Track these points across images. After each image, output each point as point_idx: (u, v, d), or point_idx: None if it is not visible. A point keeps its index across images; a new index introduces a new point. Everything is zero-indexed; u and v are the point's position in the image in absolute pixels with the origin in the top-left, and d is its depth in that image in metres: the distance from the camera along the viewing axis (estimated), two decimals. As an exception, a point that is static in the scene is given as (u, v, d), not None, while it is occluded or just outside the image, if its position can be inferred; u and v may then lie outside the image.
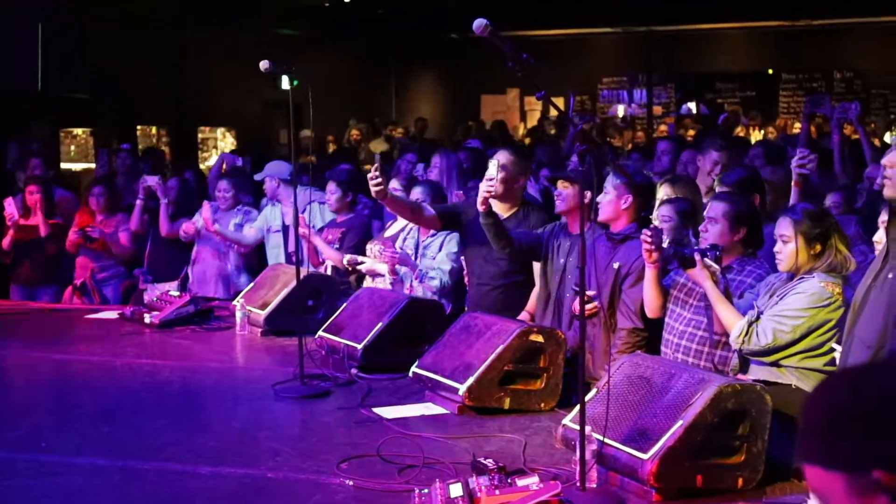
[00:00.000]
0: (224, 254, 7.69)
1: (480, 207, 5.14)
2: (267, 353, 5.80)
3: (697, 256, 4.27)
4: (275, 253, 7.47)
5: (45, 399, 5.06)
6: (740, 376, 4.11)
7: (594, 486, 3.39)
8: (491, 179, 5.15)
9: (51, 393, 5.19)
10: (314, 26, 16.36)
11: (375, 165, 5.43)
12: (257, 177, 7.66)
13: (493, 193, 5.18)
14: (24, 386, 5.56)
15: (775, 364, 4.11)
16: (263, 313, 6.12)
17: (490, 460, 3.45)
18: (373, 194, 5.47)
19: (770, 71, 18.75)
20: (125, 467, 3.83)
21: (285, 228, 7.40)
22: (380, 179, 5.32)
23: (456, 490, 3.23)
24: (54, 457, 3.94)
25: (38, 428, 4.39)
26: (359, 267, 6.34)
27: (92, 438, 4.20)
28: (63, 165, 13.00)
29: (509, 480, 3.29)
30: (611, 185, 4.99)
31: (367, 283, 6.34)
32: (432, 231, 6.12)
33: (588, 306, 4.71)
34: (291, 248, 7.01)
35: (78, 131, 13.88)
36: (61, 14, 11.92)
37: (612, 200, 4.99)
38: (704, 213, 4.70)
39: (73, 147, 13.88)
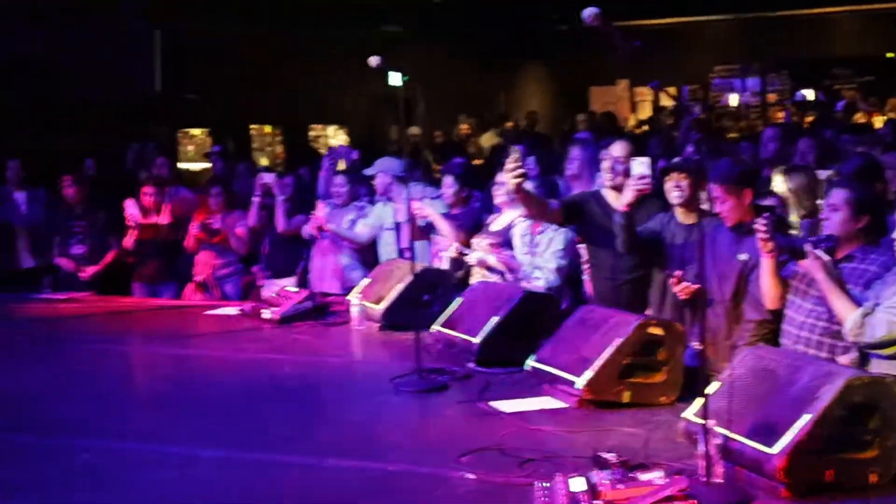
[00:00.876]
0: (340, 250, 7.78)
1: (625, 208, 5.07)
2: (384, 348, 5.85)
3: (808, 247, 4.16)
4: (387, 251, 7.51)
5: (168, 393, 5.17)
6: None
7: (720, 481, 3.33)
8: (644, 177, 5.04)
9: (174, 387, 5.30)
10: (420, 23, 16.43)
11: (515, 157, 5.31)
12: (368, 171, 7.71)
13: (646, 192, 5.07)
14: (147, 380, 5.71)
15: (895, 357, 3.98)
16: (380, 308, 6.17)
17: (612, 454, 3.42)
18: (511, 187, 5.39)
19: (889, 55, 18.17)
20: (249, 459, 3.90)
21: (397, 226, 7.45)
22: (522, 171, 5.27)
23: (578, 484, 3.20)
24: (179, 448, 4.03)
25: (163, 421, 4.50)
26: (466, 258, 6.33)
27: (215, 431, 4.28)
28: (181, 165, 13.32)
29: (632, 475, 3.25)
30: (722, 190, 4.86)
31: (476, 277, 6.34)
32: (541, 227, 6.07)
33: (678, 287, 4.65)
34: (403, 244, 7.06)
35: (196, 132, 14.21)
36: (177, 18, 12.24)
37: (733, 206, 4.88)
38: (824, 201, 4.57)
39: (190, 147, 14.22)
